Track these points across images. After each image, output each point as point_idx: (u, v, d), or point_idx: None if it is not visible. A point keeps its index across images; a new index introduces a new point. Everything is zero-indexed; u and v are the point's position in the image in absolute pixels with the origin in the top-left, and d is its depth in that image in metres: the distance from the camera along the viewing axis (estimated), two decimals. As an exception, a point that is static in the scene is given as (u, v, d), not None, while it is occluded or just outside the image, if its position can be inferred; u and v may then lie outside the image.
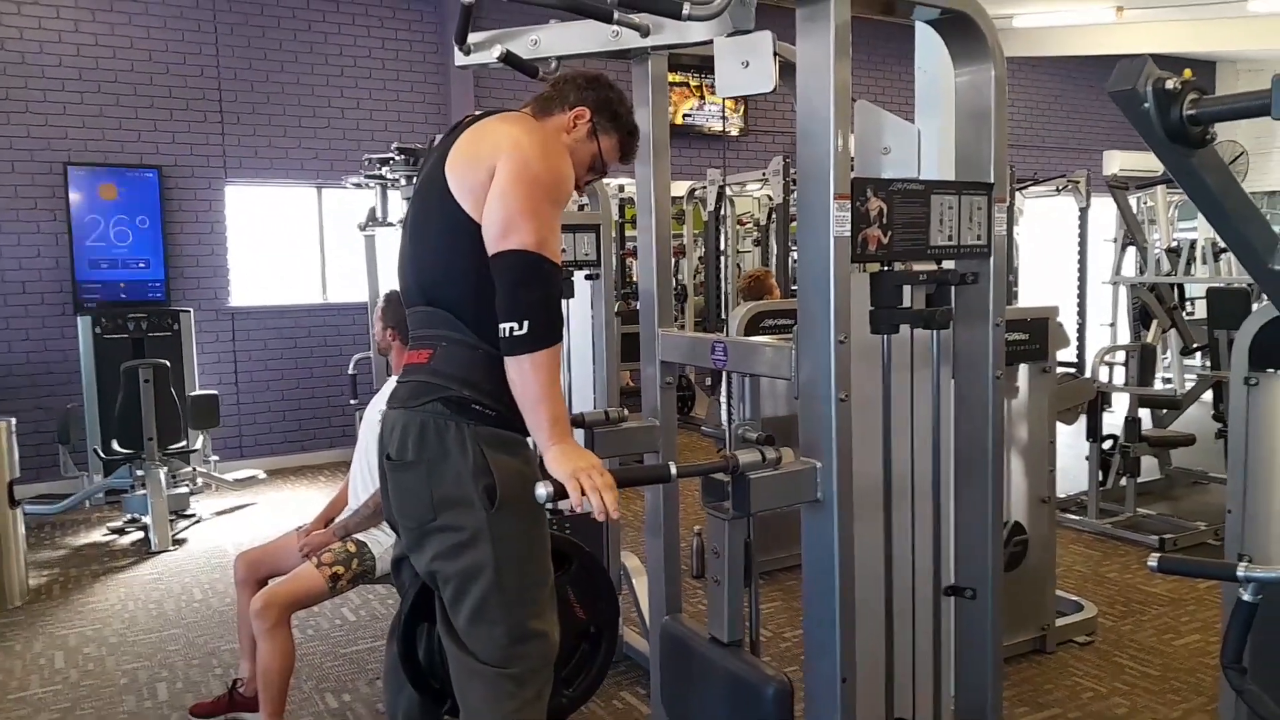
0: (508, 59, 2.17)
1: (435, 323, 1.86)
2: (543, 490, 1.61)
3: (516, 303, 1.69)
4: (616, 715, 3.10)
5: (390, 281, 5.88)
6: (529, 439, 1.83)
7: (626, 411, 2.34)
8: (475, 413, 1.80)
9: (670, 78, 3.47)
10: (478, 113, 1.94)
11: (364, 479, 3.10)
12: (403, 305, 3.08)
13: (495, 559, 1.80)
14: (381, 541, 2.95)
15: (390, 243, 5.95)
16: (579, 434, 2.18)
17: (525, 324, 1.68)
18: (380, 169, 4.41)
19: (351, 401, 3.63)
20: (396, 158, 4.03)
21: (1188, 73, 1.52)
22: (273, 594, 2.78)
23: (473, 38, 2.24)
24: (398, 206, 5.19)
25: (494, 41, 2.21)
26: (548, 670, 1.90)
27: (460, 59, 2.28)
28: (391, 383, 3.16)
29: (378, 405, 3.16)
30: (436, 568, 1.84)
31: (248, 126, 6.81)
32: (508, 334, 1.69)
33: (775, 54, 1.79)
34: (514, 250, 1.71)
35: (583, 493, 1.61)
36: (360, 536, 2.96)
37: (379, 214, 5.00)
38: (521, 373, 1.70)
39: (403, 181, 4.07)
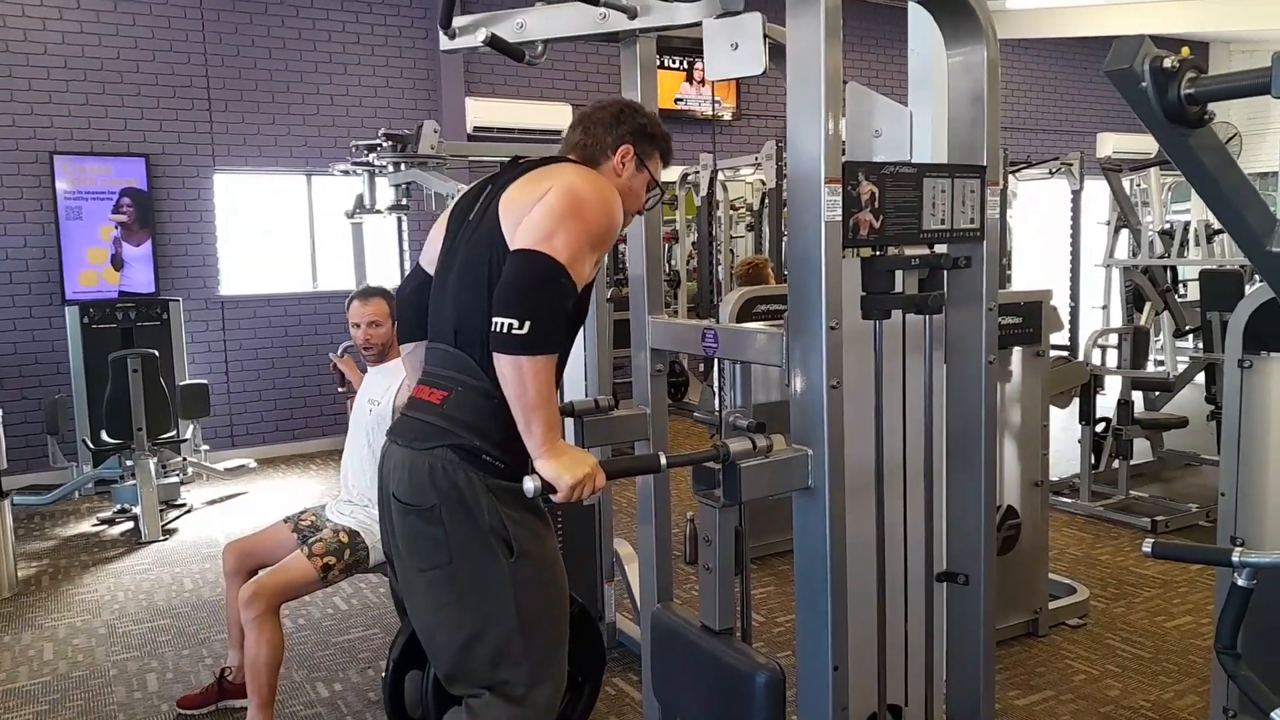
0: (493, 43, 2.14)
1: (454, 365, 1.83)
2: (530, 484, 1.61)
3: (522, 300, 1.62)
4: (609, 702, 3.10)
5: (379, 270, 5.85)
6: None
7: (616, 399, 2.32)
8: (485, 464, 1.79)
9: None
10: (530, 159, 1.92)
11: (357, 467, 3.08)
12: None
13: (517, 605, 1.81)
14: (374, 531, 2.92)
15: (377, 230, 5.90)
16: (568, 423, 2.16)
17: (527, 324, 1.61)
18: (368, 156, 4.37)
19: (339, 390, 3.60)
20: (384, 144, 3.98)
21: (1185, 51, 1.49)
22: (262, 584, 2.75)
23: (458, 21, 2.21)
24: (385, 194, 5.14)
25: (479, 25, 2.18)
26: (552, 715, 1.92)
27: (445, 43, 2.25)
28: (379, 373, 3.15)
29: (368, 394, 3.14)
30: (452, 611, 1.83)
31: (236, 114, 6.75)
32: (504, 329, 1.61)
33: (765, 36, 1.77)
34: (540, 252, 1.66)
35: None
36: (353, 526, 2.94)
37: (366, 201, 4.94)
38: (519, 375, 1.64)
39: (390, 168, 4.02)
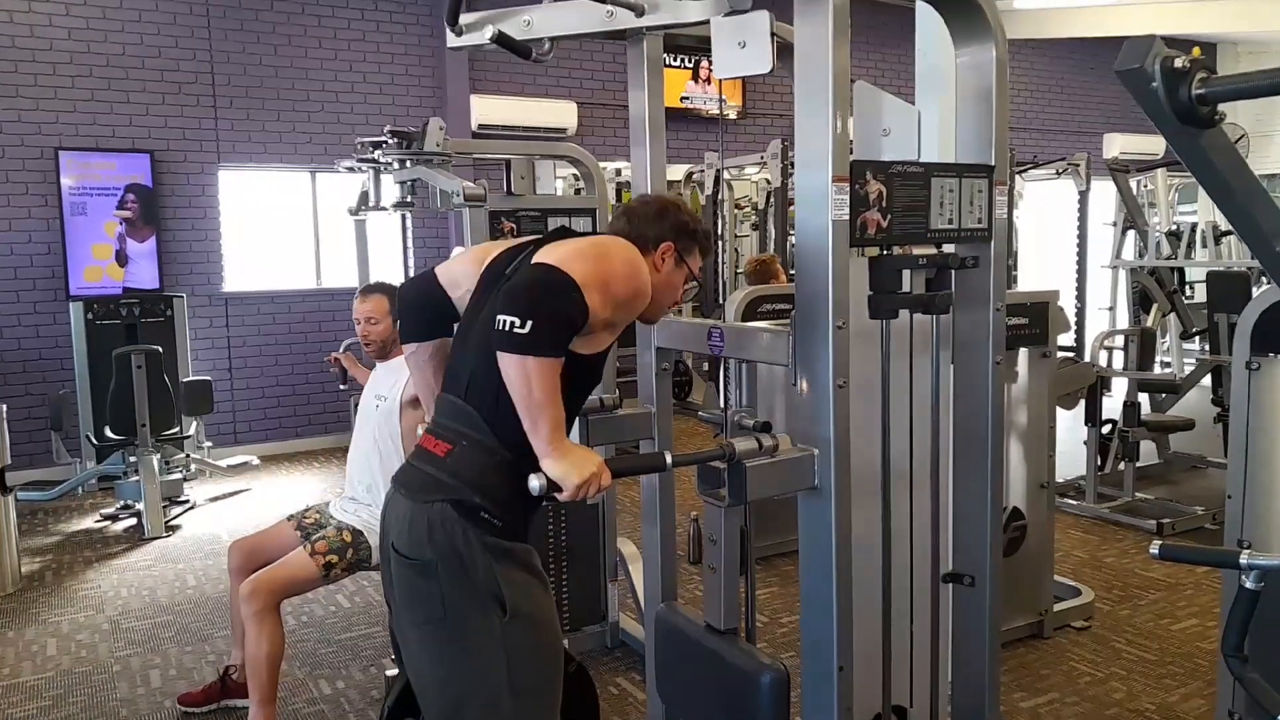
0: (500, 40, 2.13)
1: (461, 418, 1.82)
2: (536, 483, 1.60)
3: (527, 301, 1.60)
4: (612, 702, 3.09)
5: (382, 268, 5.82)
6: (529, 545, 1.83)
7: (621, 398, 2.31)
8: (483, 521, 1.77)
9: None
10: (576, 231, 1.95)
11: (363, 463, 3.07)
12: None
13: (508, 665, 1.79)
14: (378, 530, 2.92)
15: (382, 227, 5.88)
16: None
17: (529, 324, 1.58)
18: (372, 152, 4.34)
19: (341, 387, 3.60)
20: (389, 141, 3.96)
21: (1196, 51, 1.48)
22: (261, 580, 2.75)
23: (465, 18, 2.20)
24: (390, 190, 5.12)
25: (486, 22, 2.17)
26: None
27: (452, 40, 2.24)
28: (385, 369, 3.14)
29: (374, 390, 3.14)
30: (444, 667, 1.82)
31: (241, 110, 6.75)
32: (506, 327, 1.59)
33: (773, 34, 1.76)
34: (554, 266, 1.65)
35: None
36: (356, 525, 2.93)
37: (371, 198, 4.93)
38: (523, 375, 1.61)
39: (395, 165, 4.00)
